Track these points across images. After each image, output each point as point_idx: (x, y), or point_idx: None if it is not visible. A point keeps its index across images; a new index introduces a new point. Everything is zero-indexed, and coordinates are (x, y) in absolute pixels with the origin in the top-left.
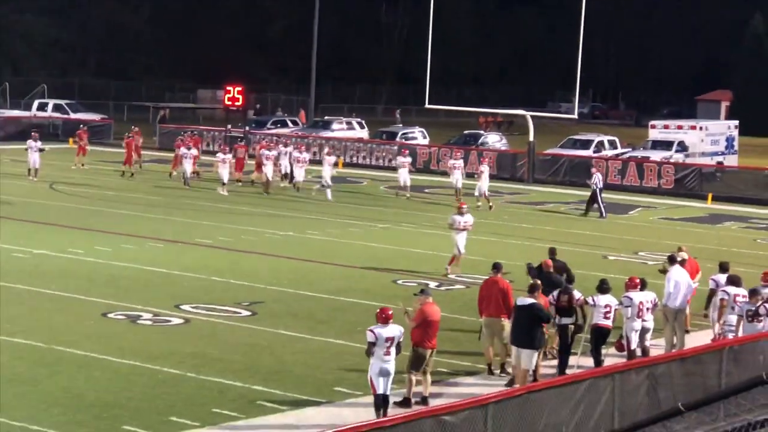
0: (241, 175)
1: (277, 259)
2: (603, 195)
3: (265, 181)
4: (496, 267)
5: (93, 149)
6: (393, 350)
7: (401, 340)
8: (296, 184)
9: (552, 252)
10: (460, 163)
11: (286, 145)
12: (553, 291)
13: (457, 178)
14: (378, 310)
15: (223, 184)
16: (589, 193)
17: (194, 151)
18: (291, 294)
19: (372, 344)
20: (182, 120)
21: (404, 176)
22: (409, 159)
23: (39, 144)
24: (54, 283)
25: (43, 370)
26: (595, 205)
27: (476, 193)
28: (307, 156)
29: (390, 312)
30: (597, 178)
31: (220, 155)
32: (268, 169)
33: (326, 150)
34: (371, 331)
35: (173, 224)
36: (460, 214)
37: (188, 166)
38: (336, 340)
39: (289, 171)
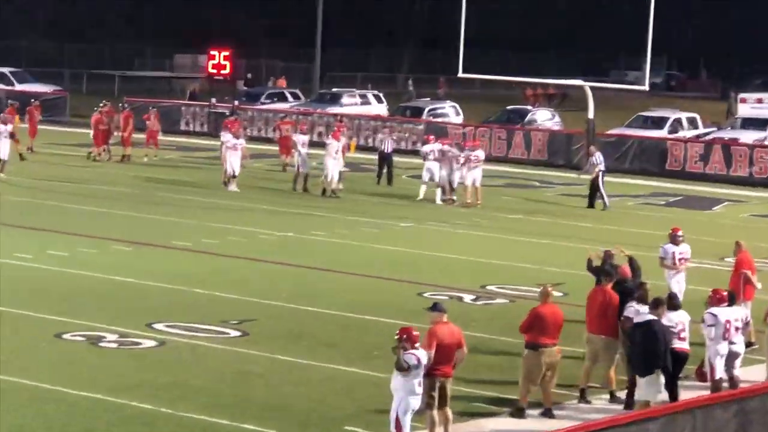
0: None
1: (273, 266)
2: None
3: (300, 175)
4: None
5: (44, 129)
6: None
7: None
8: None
9: (631, 262)
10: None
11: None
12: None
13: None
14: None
15: (233, 176)
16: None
17: (242, 141)
18: (290, 310)
19: (409, 368)
20: (155, 93)
21: (434, 171)
22: (436, 146)
23: (9, 128)
24: None
25: None
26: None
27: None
28: (305, 138)
29: (407, 334)
30: (598, 158)
31: (228, 137)
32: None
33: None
34: (412, 354)
35: (145, 223)
36: (675, 243)
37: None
38: (347, 368)
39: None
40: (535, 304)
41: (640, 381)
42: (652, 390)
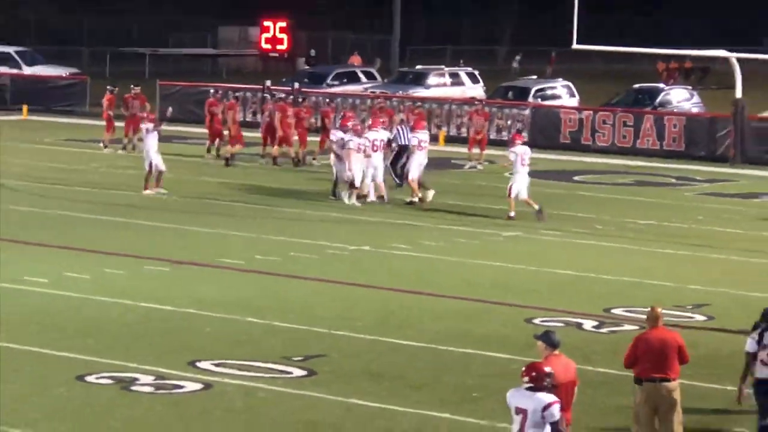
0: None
1: (346, 288)
2: None
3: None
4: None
5: (57, 121)
6: (528, 431)
7: (555, 419)
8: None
9: None
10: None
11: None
12: None
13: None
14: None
15: (352, 186)
16: None
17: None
18: (369, 342)
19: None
20: (195, 75)
21: (521, 185)
22: (524, 151)
23: (150, 126)
24: (2, 332)
25: None
26: None
27: (511, 195)
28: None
29: (536, 372)
30: None
31: (347, 137)
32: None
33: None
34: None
35: (185, 236)
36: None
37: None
38: (440, 413)
39: None
40: (677, 332)
41: None
42: None
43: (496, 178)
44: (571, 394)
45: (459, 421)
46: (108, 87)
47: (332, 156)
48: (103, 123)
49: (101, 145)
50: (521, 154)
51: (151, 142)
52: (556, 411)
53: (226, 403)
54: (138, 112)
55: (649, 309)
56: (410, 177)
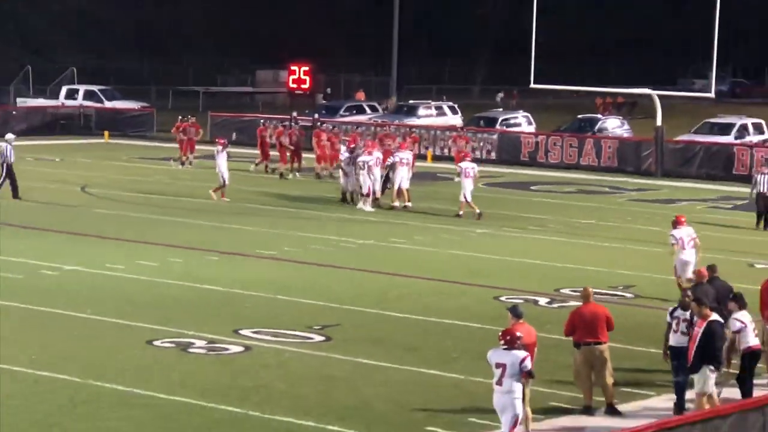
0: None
1: (355, 273)
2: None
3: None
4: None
5: (131, 143)
6: (506, 380)
7: (528, 368)
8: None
9: (711, 269)
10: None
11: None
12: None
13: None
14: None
15: (371, 197)
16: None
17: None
18: (372, 315)
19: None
20: (239, 108)
21: (466, 191)
22: (468, 166)
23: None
24: (89, 306)
25: (78, 409)
26: None
27: (461, 198)
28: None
29: (510, 336)
30: (763, 180)
31: (399, 156)
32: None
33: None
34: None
35: (230, 233)
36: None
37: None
38: (428, 370)
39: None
40: (609, 307)
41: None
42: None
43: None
44: (533, 353)
45: (441, 375)
46: (180, 117)
47: (341, 171)
48: (166, 145)
49: (171, 161)
50: (465, 168)
51: (221, 160)
52: (528, 362)
53: (262, 361)
54: (193, 136)
55: (582, 289)
56: (395, 187)
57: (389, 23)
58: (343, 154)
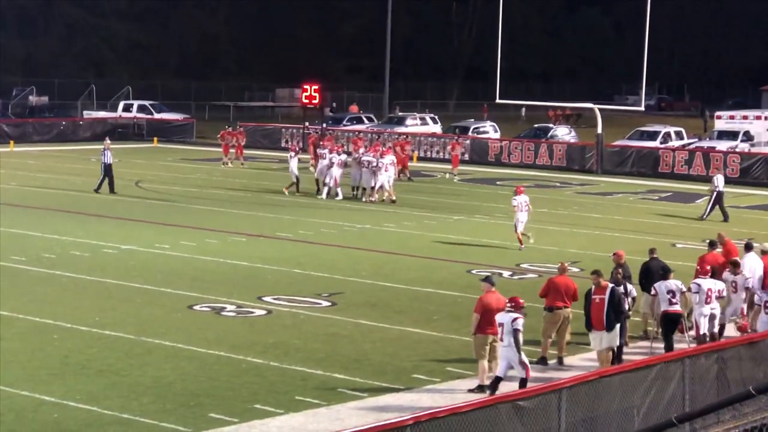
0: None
1: (355, 251)
2: (676, 185)
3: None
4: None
5: (175, 147)
6: (505, 336)
7: (518, 327)
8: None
9: (651, 252)
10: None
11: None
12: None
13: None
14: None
15: (365, 189)
16: (710, 196)
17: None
18: (369, 285)
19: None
20: (262, 118)
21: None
22: (525, 200)
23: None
24: (142, 277)
25: (133, 360)
26: (709, 209)
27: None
28: (338, 157)
29: (514, 302)
30: (718, 181)
31: (325, 152)
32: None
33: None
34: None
35: (255, 219)
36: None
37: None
38: (413, 329)
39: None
40: (573, 281)
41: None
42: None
43: (448, 183)
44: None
45: (424, 333)
46: (227, 126)
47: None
48: (204, 149)
49: (221, 162)
50: (520, 202)
51: (293, 163)
52: (520, 323)
53: (281, 322)
54: (240, 142)
55: (559, 263)
56: (378, 185)
57: (382, 51)
58: (354, 154)
